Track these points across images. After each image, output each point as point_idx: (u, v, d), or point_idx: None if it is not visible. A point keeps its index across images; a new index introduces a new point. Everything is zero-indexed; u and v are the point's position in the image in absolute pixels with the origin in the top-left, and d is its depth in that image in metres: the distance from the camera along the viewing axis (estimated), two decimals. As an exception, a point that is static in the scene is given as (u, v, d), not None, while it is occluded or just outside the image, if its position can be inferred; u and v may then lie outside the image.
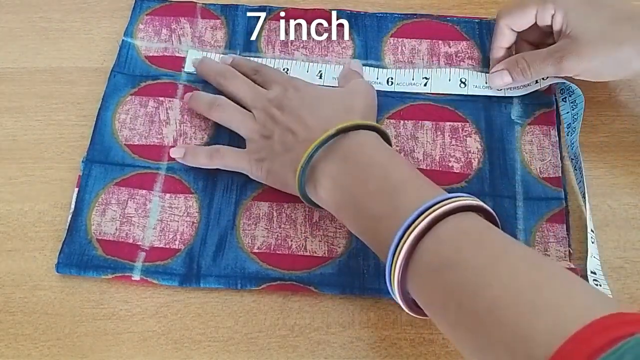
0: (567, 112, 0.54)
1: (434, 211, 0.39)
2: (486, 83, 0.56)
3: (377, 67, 0.58)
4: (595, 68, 0.51)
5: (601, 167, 0.54)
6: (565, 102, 0.54)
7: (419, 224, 0.39)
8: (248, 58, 0.58)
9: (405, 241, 0.39)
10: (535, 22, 0.54)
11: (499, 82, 0.55)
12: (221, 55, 0.58)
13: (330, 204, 0.47)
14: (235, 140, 0.53)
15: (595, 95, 0.57)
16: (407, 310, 0.42)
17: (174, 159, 0.53)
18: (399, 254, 0.40)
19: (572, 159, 0.53)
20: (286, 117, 0.50)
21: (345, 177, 0.46)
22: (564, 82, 0.53)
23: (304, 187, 0.47)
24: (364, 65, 0.58)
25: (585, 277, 0.47)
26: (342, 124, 0.46)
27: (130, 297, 0.48)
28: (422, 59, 0.58)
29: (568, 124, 0.53)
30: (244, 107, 0.53)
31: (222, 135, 0.54)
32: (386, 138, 0.48)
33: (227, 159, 0.52)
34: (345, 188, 0.45)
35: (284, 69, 0.57)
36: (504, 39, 0.56)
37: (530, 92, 0.55)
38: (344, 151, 0.46)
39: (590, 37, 0.50)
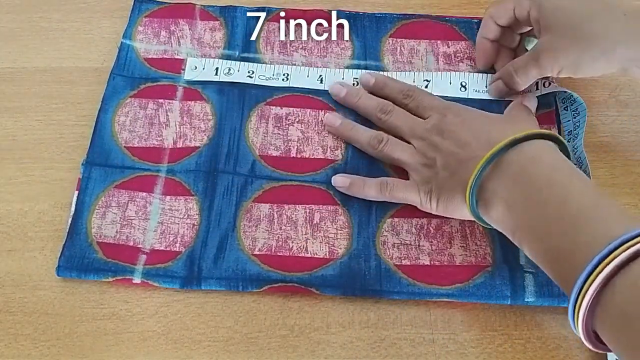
0: (568, 120, 0.54)
1: (627, 249, 0.36)
2: (486, 87, 0.56)
3: (377, 67, 0.58)
4: (573, 64, 0.50)
5: (601, 167, 0.54)
6: (567, 110, 0.54)
7: (609, 262, 0.36)
8: (390, 77, 0.56)
9: (592, 282, 0.36)
10: (517, 19, 0.54)
11: (496, 93, 0.56)
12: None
13: (505, 228, 0.45)
14: (235, 146, 0.53)
15: (595, 95, 0.57)
16: (589, 347, 0.40)
17: (173, 161, 0.53)
18: (585, 295, 0.37)
19: (575, 163, 0.51)
20: (448, 142, 0.48)
21: (520, 199, 0.43)
22: (565, 91, 0.53)
23: (477, 208, 0.46)
24: (362, 64, 0.58)
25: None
26: (514, 135, 0.44)
27: (130, 297, 0.48)
28: (421, 59, 0.58)
29: (569, 131, 0.53)
30: (402, 138, 0.52)
31: (223, 137, 0.54)
32: (563, 148, 0.46)
33: (395, 191, 0.50)
34: (521, 211, 0.43)
35: (284, 75, 0.57)
36: (488, 31, 0.56)
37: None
38: (517, 168, 0.44)
39: (564, 32, 0.50)
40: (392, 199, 0.51)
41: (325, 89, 0.56)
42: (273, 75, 0.57)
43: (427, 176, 0.49)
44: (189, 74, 0.57)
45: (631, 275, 0.36)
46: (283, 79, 0.57)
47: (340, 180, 0.52)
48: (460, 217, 0.49)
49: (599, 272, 0.36)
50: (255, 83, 0.57)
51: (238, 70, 0.57)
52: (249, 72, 0.57)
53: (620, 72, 0.50)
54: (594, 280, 0.37)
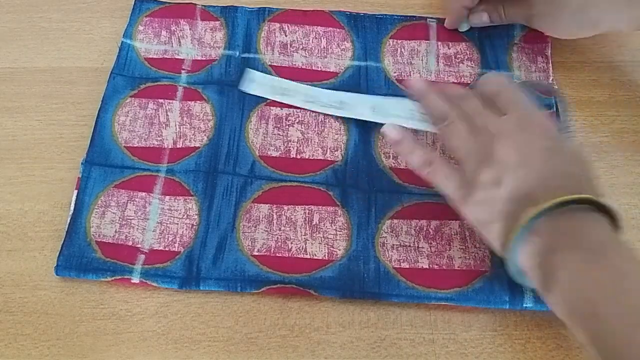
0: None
1: None
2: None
3: (377, 68, 0.58)
4: (564, 26, 0.53)
5: (601, 167, 0.54)
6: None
7: None
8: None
9: None
10: None
11: (477, 20, 0.58)
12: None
13: (561, 304, 0.40)
14: (235, 147, 0.53)
15: (595, 95, 0.57)
16: None
17: (173, 161, 0.53)
18: None
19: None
20: (509, 154, 0.44)
21: (588, 281, 0.39)
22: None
23: (517, 256, 0.42)
24: (362, 65, 0.58)
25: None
26: (582, 194, 0.40)
27: (130, 297, 0.48)
28: (422, 60, 0.58)
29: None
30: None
31: (222, 138, 0.54)
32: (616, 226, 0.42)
33: (435, 175, 0.47)
34: (585, 293, 0.39)
35: (339, 102, 0.55)
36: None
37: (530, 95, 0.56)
38: (588, 242, 0.40)
39: None
40: (430, 178, 0.48)
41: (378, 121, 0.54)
42: (330, 102, 0.56)
43: (482, 182, 0.44)
44: (247, 87, 0.56)
45: None
46: (337, 107, 0.56)
47: (393, 132, 0.49)
48: (489, 243, 0.45)
49: None
50: (314, 110, 0.55)
51: (293, 94, 0.56)
52: (306, 96, 0.56)
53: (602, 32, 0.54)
54: None
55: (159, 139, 0.54)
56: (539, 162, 0.43)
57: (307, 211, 0.51)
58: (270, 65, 0.58)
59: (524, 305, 0.47)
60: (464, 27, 0.59)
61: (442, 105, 0.49)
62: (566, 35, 0.56)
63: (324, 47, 0.59)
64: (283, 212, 0.51)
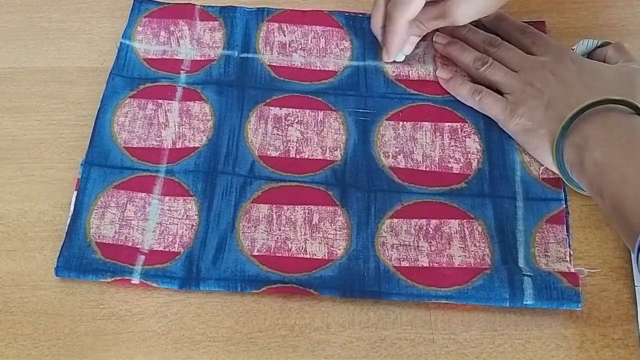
0: None
1: None
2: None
3: (375, 68, 0.58)
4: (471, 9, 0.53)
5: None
6: None
7: None
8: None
9: None
10: None
11: (409, 47, 0.58)
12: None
13: (592, 179, 0.47)
14: (234, 147, 0.53)
15: (594, 95, 0.57)
16: None
17: (172, 162, 0.53)
18: None
19: None
20: (559, 85, 0.51)
21: (618, 156, 0.46)
22: None
23: (562, 156, 0.49)
24: (361, 65, 0.58)
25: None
26: (619, 96, 0.47)
27: (130, 297, 0.48)
28: (419, 60, 0.58)
29: None
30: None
31: (222, 138, 0.54)
32: None
33: (484, 99, 0.54)
34: (615, 166, 0.46)
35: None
36: (404, 32, 0.56)
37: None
38: (619, 129, 0.47)
39: None
40: (478, 106, 0.55)
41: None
42: None
43: (522, 99, 0.52)
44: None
45: None
46: None
47: (443, 72, 0.57)
48: (536, 155, 0.52)
49: None
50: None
51: None
52: None
53: None
54: None
55: (158, 139, 0.54)
56: (573, 79, 0.51)
57: (307, 211, 0.51)
58: (269, 65, 0.58)
59: (524, 302, 0.47)
60: (401, 58, 0.58)
61: (476, 52, 0.57)
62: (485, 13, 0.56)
63: (323, 47, 0.59)
64: (283, 212, 0.51)
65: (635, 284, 0.48)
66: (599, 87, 0.50)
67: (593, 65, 0.53)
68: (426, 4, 0.53)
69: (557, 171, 0.51)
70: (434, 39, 0.59)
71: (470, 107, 0.55)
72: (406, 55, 0.58)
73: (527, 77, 0.53)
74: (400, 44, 0.57)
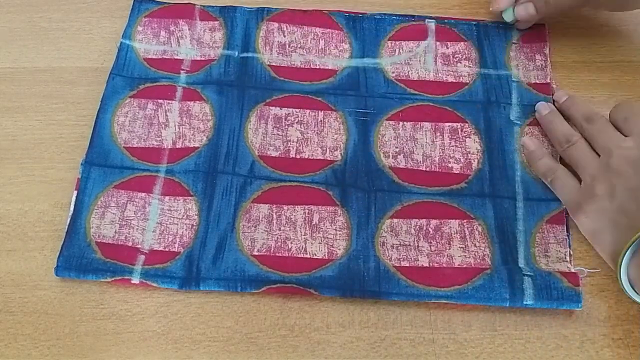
0: None
1: None
2: None
3: (374, 67, 0.58)
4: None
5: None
6: None
7: None
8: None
9: None
10: None
11: (523, 12, 0.57)
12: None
13: None
14: (234, 147, 0.53)
15: (595, 95, 0.57)
16: None
17: (173, 162, 0.53)
18: None
19: None
20: (636, 178, 0.46)
21: None
22: None
23: (628, 268, 0.45)
24: (360, 66, 0.58)
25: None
26: None
27: (130, 297, 0.48)
28: (419, 61, 0.58)
29: None
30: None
31: (222, 138, 0.54)
32: None
33: (557, 182, 0.51)
34: None
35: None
36: None
37: (528, 94, 0.56)
38: None
39: None
40: (550, 185, 0.52)
41: None
42: None
43: (591, 195, 0.48)
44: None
45: None
46: None
47: (529, 143, 0.54)
48: (601, 253, 0.49)
49: None
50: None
51: None
52: None
53: None
54: None
55: (158, 139, 0.54)
56: None
57: (307, 211, 0.51)
58: (269, 65, 0.58)
59: (524, 302, 0.47)
60: (510, 17, 0.58)
61: (568, 129, 0.53)
62: (626, 7, 0.55)
63: (322, 48, 0.59)
64: (283, 212, 0.51)
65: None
66: None
67: None
68: None
69: (618, 281, 0.46)
70: (536, 108, 0.55)
71: (471, 107, 0.56)
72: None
73: (605, 165, 0.48)
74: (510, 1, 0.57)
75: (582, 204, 0.48)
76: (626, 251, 0.45)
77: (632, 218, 0.46)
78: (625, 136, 0.49)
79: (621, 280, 0.45)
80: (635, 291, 0.46)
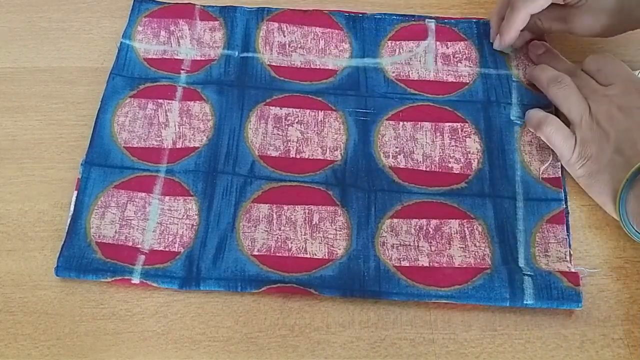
0: None
1: None
2: None
3: (374, 67, 0.58)
4: (602, 25, 0.53)
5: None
6: None
7: None
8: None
9: None
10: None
11: (520, 41, 0.58)
12: None
13: None
14: (234, 147, 0.53)
15: (594, 95, 0.57)
16: None
17: (173, 162, 0.53)
18: None
19: None
20: (626, 123, 0.49)
21: None
22: None
23: (626, 207, 0.47)
24: (361, 66, 0.58)
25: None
26: None
27: (130, 297, 0.48)
28: (419, 61, 0.58)
29: None
30: None
31: (222, 138, 0.54)
32: None
33: (552, 133, 0.52)
34: None
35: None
36: (522, 25, 0.56)
37: (528, 94, 0.56)
38: None
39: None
40: (543, 137, 0.52)
41: None
42: None
43: (592, 139, 0.50)
44: None
45: None
46: None
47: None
48: (599, 200, 0.50)
49: None
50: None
51: None
52: None
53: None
54: None
55: (158, 139, 0.54)
56: None
57: (307, 211, 0.51)
58: (269, 65, 0.58)
59: (524, 302, 0.47)
60: (508, 50, 0.59)
61: (556, 71, 0.54)
62: (605, 34, 0.55)
63: (322, 48, 0.59)
64: (283, 212, 0.51)
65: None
66: None
67: None
68: (552, 5, 0.54)
69: (620, 221, 0.48)
70: (531, 44, 0.58)
71: (471, 107, 0.56)
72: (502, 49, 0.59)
73: (596, 113, 0.50)
74: (516, 35, 0.57)
75: (582, 151, 0.50)
76: (625, 184, 0.47)
77: (628, 157, 0.48)
78: (604, 86, 0.52)
79: (622, 217, 0.48)
80: (634, 228, 0.47)
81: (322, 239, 0.50)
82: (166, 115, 0.55)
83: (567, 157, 0.51)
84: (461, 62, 0.58)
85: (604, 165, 0.49)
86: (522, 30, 0.56)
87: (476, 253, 0.49)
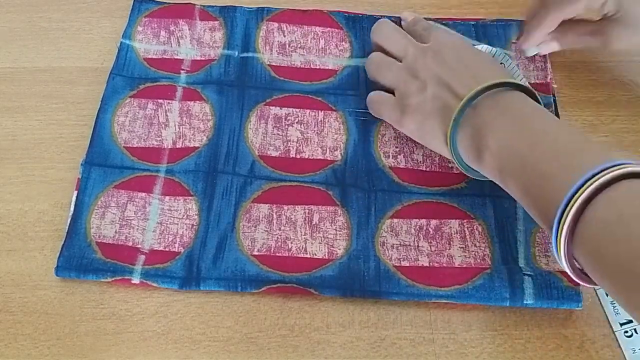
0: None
1: (608, 173, 0.38)
2: None
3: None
4: (629, 37, 0.53)
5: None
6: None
7: (592, 184, 0.38)
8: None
9: (573, 204, 0.38)
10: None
11: (547, 49, 0.58)
12: None
13: (493, 166, 0.46)
14: (234, 147, 0.54)
15: (595, 95, 0.57)
16: (573, 277, 0.41)
17: (173, 162, 0.53)
18: (569, 212, 0.39)
19: None
20: (441, 71, 0.50)
21: (514, 138, 0.45)
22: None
23: (457, 145, 0.48)
24: (361, 65, 0.58)
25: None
26: (503, 78, 0.47)
27: (130, 297, 0.48)
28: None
29: None
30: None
31: (222, 138, 0.54)
32: (536, 100, 0.48)
33: (379, 105, 0.54)
34: (513, 149, 0.44)
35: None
36: (551, 28, 0.55)
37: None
38: (511, 110, 0.46)
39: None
40: (377, 114, 0.54)
41: None
42: None
43: (409, 93, 0.51)
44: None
45: (610, 195, 0.38)
46: None
47: (368, 99, 0.55)
48: (433, 147, 0.51)
49: (580, 195, 0.38)
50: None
51: None
52: None
53: None
54: (574, 203, 0.38)
55: (158, 139, 0.54)
56: (453, 63, 0.50)
57: (307, 211, 0.51)
58: (269, 65, 0.58)
59: (524, 302, 0.47)
60: (531, 52, 0.58)
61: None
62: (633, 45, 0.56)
63: (322, 48, 0.59)
64: (283, 212, 0.51)
65: (614, 329, 0.47)
66: (479, 71, 0.49)
67: (470, 50, 0.52)
68: (583, 20, 0.54)
69: (454, 161, 0.49)
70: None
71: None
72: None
73: (410, 67, 0.52)
74: (541, 38, 0.56)
75: (404, 106, 0.51)
76: (452, 124, 0.47)
77: (445, 99, 0.48)
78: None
79: (456, 157, 0.48)
80: (467, 164, 0.49)
81: (322, 239, 0.50)
82: (166, 115, 0.55)
83: (393, 116, 0.52)
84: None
85: (427, 113, 0.49)
86: (551, 39, 0.56)
87: (476, 253, 0.49)
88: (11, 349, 0.47)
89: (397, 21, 0.58)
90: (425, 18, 0.60)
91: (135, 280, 0.48)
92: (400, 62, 0.53)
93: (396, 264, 0.49)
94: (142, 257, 0.49)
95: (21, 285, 0.49)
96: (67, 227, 0.50)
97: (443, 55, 0.51)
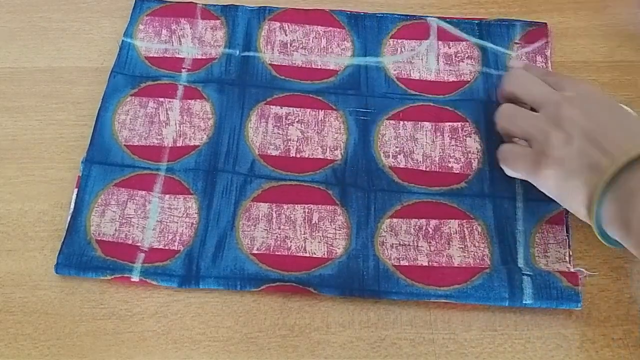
0: None
1: None
2: None
3: (376, 67, 0.58)
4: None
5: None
6: None
7: None
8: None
9: None
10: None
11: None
12: None
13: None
14: (234, 145, 0.54)
15: (594, 95, 0.57)
16: None
17: (173, 160, 0.53)
18: None
19: None
20: (590, 125, 0.45)
21: None
22: None
23: (601, 211, 0.44)
24: (362, 65, 0.58)
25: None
26: None
27: (130, 296, 0.48)
28: (421, 60, 0.58)
29: None
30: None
31: (222, 136, 0.54)
32: None
33: (507, 156, 0.50)
34: None
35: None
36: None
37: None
38: None
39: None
40: (511, 167, 0.50)
41: None
42: None
43: (549, 146, 0.46)
44: None
45: None
46: None
47: (500, 150, 0.51)
48: (568, 205, 0.47)
49: None
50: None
51: None
52: None
53: None
54: None
55: (159, 137, 0.54)
56: (604, 118, 0.45)
57: (307, 210, 0.51)
58: (270, 64, 0.58)
59: (524, 302, 0.47)
60: None
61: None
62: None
63: (324, 47, 0.59)
64: (282, 211, 0.51)
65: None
66: (632, 129, 0.45)
67: (619, 106, 0.47)
68: None
69: (592, 226, 0.45)
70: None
71: (472, 107, 0.55)
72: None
73: (552, 116, 0.47)
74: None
75: (540, 159, 0.46)
76: (602, 187, 0.43)
77: (594, 158, 0.44)
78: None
79: (597, 222, 0.44)
80: (606, 231, 0.45)
81: (322, 238, 0.50)
82: (167, 113, 0.55)
83: (527, 169, 0.48)
84: (463, 61, 0.58)
85: (571, 170, 0.45)
86: None
87: (475, 253, 0.49)
88: (11, 349, 0.47)
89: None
90: (425, 18, 0.60)
91: (135, 278, 0.48)
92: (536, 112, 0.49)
93: (395, 264, 0.49)
94: (142, 255, 0.49)
95: (21, 285, 0.49)
96: (67, 225, 0.50)
97: (591, 107, 0.46)
